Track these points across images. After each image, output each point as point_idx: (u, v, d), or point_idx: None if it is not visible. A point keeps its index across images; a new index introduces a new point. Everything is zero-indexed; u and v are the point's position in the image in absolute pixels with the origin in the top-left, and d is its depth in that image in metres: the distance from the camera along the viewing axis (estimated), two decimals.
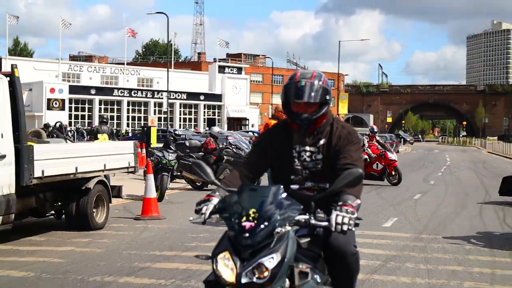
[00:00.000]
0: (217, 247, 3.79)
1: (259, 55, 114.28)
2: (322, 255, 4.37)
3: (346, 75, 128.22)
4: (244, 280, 3.58)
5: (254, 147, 4.88)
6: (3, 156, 9.67)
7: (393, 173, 22.53)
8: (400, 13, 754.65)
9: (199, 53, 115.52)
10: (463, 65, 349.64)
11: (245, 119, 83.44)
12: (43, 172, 10.32)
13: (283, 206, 3.82)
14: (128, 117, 73.90)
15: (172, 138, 21.01)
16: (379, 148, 23.04)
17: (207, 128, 68.13)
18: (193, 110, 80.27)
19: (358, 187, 4.23)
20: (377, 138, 23.98)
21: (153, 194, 13.72)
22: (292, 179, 4.56)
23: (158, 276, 8.09)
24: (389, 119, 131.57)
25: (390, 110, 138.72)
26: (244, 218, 3.70)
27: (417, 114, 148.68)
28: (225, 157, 19.05)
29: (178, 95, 76.24)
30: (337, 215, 3.97)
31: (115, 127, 56.90)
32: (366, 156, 22.37)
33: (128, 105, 74.36)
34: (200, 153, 19.57)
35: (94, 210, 11.97)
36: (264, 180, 5.43)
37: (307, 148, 4.55)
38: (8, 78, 10.08)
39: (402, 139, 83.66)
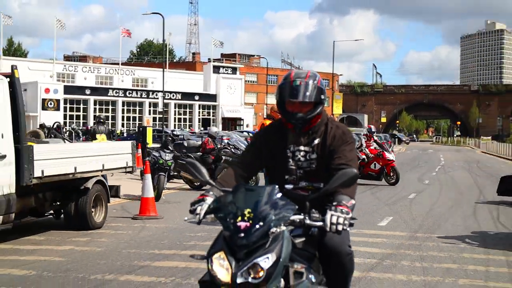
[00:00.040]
0: (212, 247, 3.79)
1: (253, 55, 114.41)
2: (317, 255, 4.39)
3: (341, 75, 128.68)
4: (239, 280, 3.59)
5: (249, 147, 4.87)
6: (4, 156, 9.78)
7: (391, 173, 22.60)
8: (395, 13, 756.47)
9: (193, 53, 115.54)
10: (457, 65, 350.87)
11: (240, 119, 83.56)
12: (42, 172, 10.43)
13: (278, 206, 3.82)
14: (123, 117, 73.98)
15: (170, 138, 21.12)
16: (377, 148, 23.12)
17: (202, 128, 68.29)
18: (188, 110, 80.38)
19: (352, 187, 4.24)
20: (375, 138, 24.04)
21: (150, 193, 13.83)
22: (286, 179, 4.56)
23: (158, 274, 8.21)
24: (384, 119, 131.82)
25: (385, 110, 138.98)
26: (239, 218, 3.71)
27: (411, 114, 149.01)
28: (223, 157, 19.16)
29: (173, 95, 76.32)
30: (332, 215, 3.98)
31: (109, 127, 56.83)
32: (364, 156, 22.49)
33: (123, 105, 74.44)
34: (198, 153, 19.69)
35: (92, 209, 12.09)
36: (263, 180, 5.54)
37: (302, 147, 4.56)
38: (8, 79, 10.19)
39: (397, 139, 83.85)
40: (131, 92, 75.58)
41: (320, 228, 4.06)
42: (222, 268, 3.64)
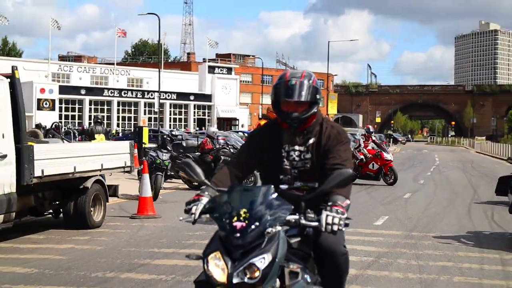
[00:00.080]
0: (208, 247, 3.79)
1: (248, 55, 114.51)
2: (312, 255, 4.39)
3: (336, 75, 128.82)
4: (235, 280, 3.59)
5: (244, 146, 4.87)
6: (4, 156, 9.90)
7: (389, 173, 22.67)
8: (389, 13, 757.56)
9: (188, 53, 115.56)
10: (452, 65, 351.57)
11: (235, 119, 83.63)
12: (43, 171, 10.56)
13: (274, 206, 3.83)
14: (118, 117, 74.02)
15: (169, 138, 21.25)
16: (375, 148, 23.20)
17: (197, 128, 68.39)
18: (183, 110, 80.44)
19: (347, 187, 4.27)
20: (373, 138, 24.12)
21: (148, 193, 13.94)
22: (281, 178, 4.57)
23: (158, 272, 8.33)
24: (378, 119, 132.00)
25: (379, 110, 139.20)
26: (235, 218, 3.71)
27: (406, 114, 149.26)
28: (222, 157, 19.29)
29: (168, 95, 76.38)
30: (327, 215, 3.98)
31: (105, 127, 56.81)
32: (362, 156, 22.59)
33: (118, 105, 74.48)
34: (196, 153, 19.81)
35: (91, 209, 12.20)
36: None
37: (296, 147, 4.56)
38: (9, 80, 10.31)
39: (392, 140, 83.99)
40: (126, 92, 75.62)
41: (315, 228, 4.07)
42: (218, 268, 3.65)
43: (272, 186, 4.00)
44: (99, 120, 20.39)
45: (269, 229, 3.72)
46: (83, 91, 71.28)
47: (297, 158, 4.55)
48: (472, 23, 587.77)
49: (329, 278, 4.41)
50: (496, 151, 57.94)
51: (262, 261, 3.62)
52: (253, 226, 3.67)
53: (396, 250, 10.23)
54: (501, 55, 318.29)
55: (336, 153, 4.47)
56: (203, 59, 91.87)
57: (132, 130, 55.86)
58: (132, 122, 73.79)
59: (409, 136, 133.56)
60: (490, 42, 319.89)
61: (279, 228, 3.81)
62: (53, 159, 10.95)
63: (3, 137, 9.92)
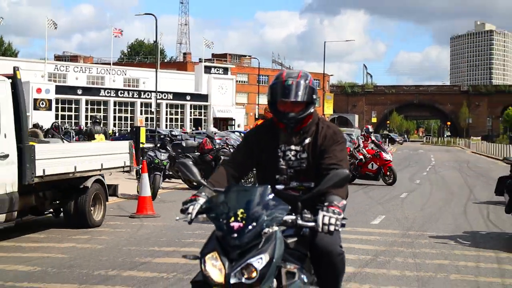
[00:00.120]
0: (205, 247, 3.79)
1: (244, 56, 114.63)
2: (309, 255, 4.40)
3: (331, 75, 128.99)
4: (233, 281, 3.59)
5: (240, 146, 4.88)
6: (6, 156, 10.02)
7: (388, 173, 22.73)
8: (385, 14, 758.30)
9: (184, 53, 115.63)
10: (447, 66, 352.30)
11: (231, 119, 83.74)
12: (44, 171, 10.69)
13: (271, 206, 3.83)
14: (114, 117, 74.09)
15: (168, 138, 21.35)
16: (374, 149, 23.25)
17: (193, 128, 68.47)
18: (179, 110, 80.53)
19: (344, 187, 4.27)
20: (373, 138, 24.16)
21: (148, 193, 14.07)
22: (277, 178, 4.57)
23: (159, 270, 8.46)
24: (374, 119, 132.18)
25: (375, 111, 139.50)
26: (233, 219, 3.70)
27: (401, 114, 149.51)
28: (222, 157, 19.40)
29: (165, 95, 76.45)
30: (323, 215, 3.98)
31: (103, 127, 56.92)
32: (361, 156, 22.68)
33: (115, 105, 74.54)
34: (196, 153, 19.93)
35: (91, 208, 12.32)
36: None
37: (292, 147, 4.56)
38: (10, 80, 10.43)
39: (387, 140, 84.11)
40: (122, 92, 75.69)
41: (312, 228, 4.06)
42: (215, 268, 3.66)
43: (269, 186, 4.00)
44: (97, 120, 20.50)
45: (266, 230, 3.72)
46: (79, 91, 71.33)
47: (293, 158, 4.56)
48: (467, 24, 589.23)
49: (325, 278, 4.42)
50: (492, 151, 58.14)
51: (259, 262, 3.63)
52: (250, 227, 3.67)
53: (393, 249, 10.37)
54: (497, 55, 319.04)
55: (332, 153, 4.48)
56: (199, 59, 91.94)
57: (129, 130, 55.97)
58: (129, 122, 73.93)
59: (405, 136, 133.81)
60: (485, 42, 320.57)
61: (276, 228, 3.82)
62: (54, 159, 11.08)
63: (5, 137, 10.04)
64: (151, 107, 71.11)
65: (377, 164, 22.81)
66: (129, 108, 75.66)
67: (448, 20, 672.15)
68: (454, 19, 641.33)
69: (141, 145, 25.07)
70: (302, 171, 4.54)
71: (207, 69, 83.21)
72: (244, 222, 3.68)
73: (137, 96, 75.80)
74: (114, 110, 74.26)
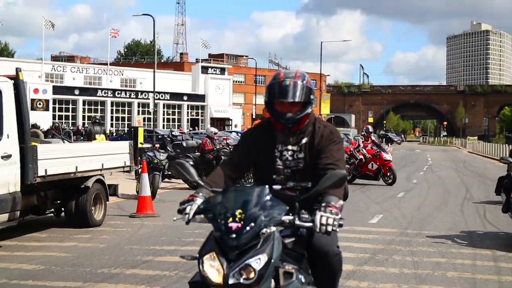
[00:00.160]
0: (203, 247, 3.79)
1: (241, 56, 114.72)
2: (306, 255, 4.40)
3: (328, 75, 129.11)
4: (231, 281, 3.59)
5: (238, 146, 4.87)
6: (9, 156, 10.14)
7: (388, 173, 22.77)
8: (381, 14, 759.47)
9: (181, 54, 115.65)
10: (443, 66, 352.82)
11: (228, 119, 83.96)
12: (46, 171, 10.82)
13: (269, 207, 3.83)
14: (112, 117, 74.21)
15: (169, 139, 21.48)
16: (374, 148, 23.28)
17: (190, 129, 68.59)
18: (176, 110, 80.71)
19: (341, 188, 4.25)
20: (373, 138, 24.15)
21: (147, 192, 14.20)
22: (274, 178, 4.57)
23: (161, 268, 8.59)
24: (371, 119, 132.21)
25: (372, 110, 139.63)
26: (231, 219, 3.70)
27: (398, 114, 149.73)
28: (222, 157, 19.51)
29: (162, 96, 76.60)
30: (321, 216, 3.97)
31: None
32: (361, 156, 22.76)
33: (112, 106, 74.74)
34: (197, 153, 20.05)
35: (92, 207, 12.46)
36: None
37: (289, 147, 4.56)
38: (13, 81, 10.55)
39: (384, 139, 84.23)
40: (120, 92, 75.87)
41: (309, 228, 4.06)
42: (213, 269, 3.65)
43: (267, 186, 4.00)
44: (97, 121, 20.64)
45: (264, 230, 3.72)
46: (77, 92, 71.48)
47: (290, 158, 4.57)
48: (464, 24, 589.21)
49: (322, 279, 4.43)
50: (488, 151, 58.31)
51: (257, 262, 3.63)
52: (248, 227, 3.67)
53: (391, 247, 10.52)
54: (493, 55, 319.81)
55: (328, 153, 4.49)
56: (196, 59, 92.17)
57: (126, 131, 56.06)
58: (126, 122, 74.11)
59: (402, 136, 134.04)
60: (481, 42, 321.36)
61: (273, 228, 3.82)
62: (56, 159, 11.21)
63: (8, 137, 10.16)
64: (148, 108, 71.10)
65: (377, 164, 22.84)
66: (126, 108, 75.85)
67: (444, 20, 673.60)
68: (450, 19, 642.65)
69: (140, 145, 25.16)
70: (299, 171, 4.55)
71: (204, 70, 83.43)
72: (242, 222, 3.69)
73: (134, 97, 75.96)
74: (111, 110, 74.46)
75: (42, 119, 50.95)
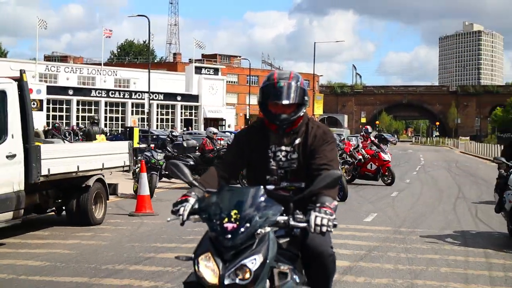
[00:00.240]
0: (198, 248, 3.78)
1: (234, 56, 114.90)
2: (300, 255, 4.41)
3: (321, 75, 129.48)
4: (227, 282, 3.59)
5: (231, 146, 4.86)
6: (14, 155, 10.39)
7: (387, 173, 22.90)
8: (374, 14, 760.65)
9: (174, 54, 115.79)
10: (436, 66, 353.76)
11: (222, 119, 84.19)
12: (49, 170, 11.07)
13: (264, 207, 3.84)
14: (105, 117, 74.36)
15: (169, 139, 21.72)
16: (373, 149, 23.40)
17: (184, 129, 68.78)
18: (170, 110, 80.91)
19: (335, 188, 4.26)
20: (372, 138, 24.20)
21: (146, 191, 14.47)
22: (267, 179, 4.57)
23: (164, 264, 8.85)
24: (363, 120, 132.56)
25: (365, 111, 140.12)
26: (226, 220, 3.70)
27: (391, 114, 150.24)
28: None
29: (155, 96, 76.76)
30: (316, 216, 3.96)
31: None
32: (360, 157, 22.93)
33: (106, 106, 74.89)
34: (197, 153, 20.31)
35: (93, 206, 12.70)
36: None
37: (283, 147, 4.57)
38: (17, 83, 10.79)
39: (377, 140, 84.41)
40: (114, 92, 76.02)
41: (303, 229, 4.07)
42: (208, 269, 3.65)
43: (262, 187, 4.00)
44: (95, 121, 20.87)
45: (259, 230, 3.73)
46: (70, 92, 71.60)
47: (283, 159, 4.57)
48: (456, 24, 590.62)
49: (316, 279, 4.44)
50: (480, 151, 58.68)
51: (253, 262, 3.63)
52: (243, 228, 3.68)
53: (386, 244, 10.81)
54: (485, 55, 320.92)
55: (322, 153, 4.50)
56: (189, 59, 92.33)
57: (120, 131, 56.23)
58: (120, 122, 74.28)
59: (395, 136, 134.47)
60: (474, 43, 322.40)
61: (268, 229, 3.81)
62: (59, 159, 11.47)
63: (12, 137, 10.41)
64: (142, 108, 71.46)
65: (375, 165, 22.96)
66: (120, 108, 76.02)
67: (437, 20, 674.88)
68: (443, 19, 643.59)
69: (137, 145, 25.41)
70: (292, 171, 4.57)
71: (198, 70, 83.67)
72: (237, 223, 3.69)
73: (128, 97, 76.15)
74: (105, 110, 74.59)
75: (36, 120, 50.89)
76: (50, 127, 56.34)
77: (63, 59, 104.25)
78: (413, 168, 34.40)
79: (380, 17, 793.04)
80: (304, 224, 4.00)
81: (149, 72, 47.65)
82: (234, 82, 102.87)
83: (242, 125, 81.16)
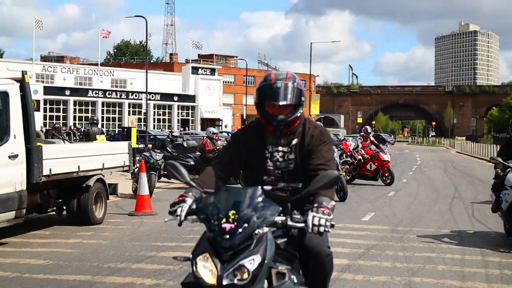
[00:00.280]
0: (196, 248, 3.79)
1: (231, 56, 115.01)
2: (297, 256, 4.42)
3: (317, 76, 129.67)
4: (225, 282, 3.59)
5: (228, 146, 4.85)
6: (16, 156, 10.51)
7: (386, 173, 22.99)
8: (370, 14, 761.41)
9: (171, 54, 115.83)
10: (432, 66, 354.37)
11: (219, 119, 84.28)
12: (50, 170, 11.20)
13: (262, 207, 3.84)
14: (102, 118, 74.37)
15: (169, 139, 21.85)
16: (373, 149, 23.45)
17: (181, 129, 68.84)
18: (167, 111, 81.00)
19: (332, 188, 4.28)
20: (371, 138, 24.20)
21: (146, 191, 14.60)
22: (264, 179, 4.58)
23: (166, 262, 8.98)
24: (360, 120, 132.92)
25: (361, 111, 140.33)
26: (224, 220, 3.70)
27: (387, 114, 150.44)
28: None
29: (152, 96, 76.81)
30: (313, 216, 3.96)
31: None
32: (360, 157, 23.04)
33: (103, 106, 74.90)
34: (197, 153, 20.44)
35: (93, 206, 12.83)
36: None
37: (280, 148, 4.57)
38: (19, 83, 10.91)
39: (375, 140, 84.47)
40: (110, 93, 76.07)
41: (301, 229, 4.07)
42: (206, 270, 3.65)
43: (260, 187, 4.00)
44: (95, 122, 20.98)
45: (257, 231, 3.73)
46: (67, 92, 71.63)
47: (280, 159, 4.58)
48: (452, 24, 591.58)
49: (313, 279, 4.45)
50: (476, 151, 58.89)
51: (251, 263, 3.63)
52: (242, 228, 3.68)
53: (384, 243, 10.96)
54: (481, 56, 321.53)
55: (319, 154, 4.50)
56: (186, 59, 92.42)
57: (117, 131, 56.31)
58: (117, 122, 74.35)
59: (392, 136, 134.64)
60: (469, 43, 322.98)
61: (266, 229, 3.82)
62: (60, 159, 11.60)
63: (14, 137, 10.54)
64: (139, 108, 71.45)
65: (375, 165, 23.05)
66: (117, 109, 76.04)
67: (433, 20, 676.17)
68: (439, 19, 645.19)
69: (135, 145, 25.51)
70: (289, 172, 4.57)
71: (194, 70, 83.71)
72: (235, 223, 3.69)
73: (125, 97, 76.18)
74: (102, 111, 74.59)
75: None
76: (47, 127, 56.65)
77: (60, 59, 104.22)
78: (409, 168, 34.53)
79: (376, 17, 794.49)
80: (302, 224, 4.00)
81: (146, 72, 47.79)
82: (231, 82, 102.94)
83: (239, 125, 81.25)
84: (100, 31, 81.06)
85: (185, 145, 21.11)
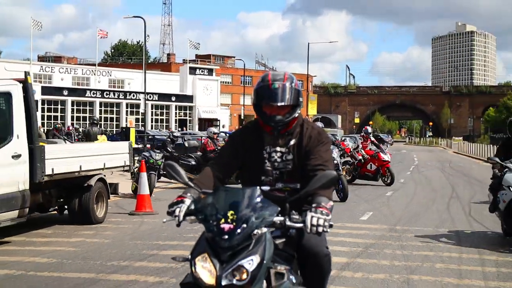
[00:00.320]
0: (195, 249, 3.79)
1: (228, 56, 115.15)
2: (296, 256, 4.42)
3: (315, 76, 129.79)
4: (224, 282, 3.59)
5: (225, 147, 4.84)
6: (19, 155, 10.65)
7: (386, 173, 23.03)
8: (367, 14, 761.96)
9: (168, 54, 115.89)
10: (429, 66, 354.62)
11: (216, 120, 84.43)
12: (53, 170, 11.35)
13: (261, 207, 3.84)
14: (100, 118, 74.45)
15: (170, 139, 21.98)
16: (373, 149, 23.48)
17: (179, 129, 69.01)
18: (164, 111, 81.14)
19: (330, 188, 4.27)
20: (372, 139, 24.13)
21: (146, 191, 14.74)
22: (262, 180, 4.57)
23: (168, 261, 9.09)
24: (357, 120, 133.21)
25: (358, 111, 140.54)
26: (223, 220, 3.70)
27: (384, 114, 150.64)
28: None
29: (150, 96, 76.85)
30: (312, 216, 3.95)
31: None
32: (360, 157, 23.12)
33: (101, 106, 75.04)
34: (198, 153, 20.58)
35: (95, 205, 12.96)
36: None
37: (278, 148, 4.57)
38: (22, 84, 11.05)
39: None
40: (108, 93, 76.20)
41: (299, 229, 4.08)
42: (205, 270, 3.65)
43: (258, 187, 3.99)
44: (95, 122, 21.11)
45: (256, 231, 3.72)
46: (65, 92, 71.73)
47: (278, 160, 4.57)
48: (449, 24, 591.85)
49: (311, 279, 4.45)
50: (473, 152, 59.03)
51: (250, 263, 3.63)
52: (240, 229, 3.68)
53: (382, 242, 11.11)
54: (478, 56, 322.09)
55: (317, 154, 4.49)
56: (183, 60, 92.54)
57: (116, 131, 56.42)
58: (114, 123, 74.47)
59: (389, 136, 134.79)
60: (466, 43, 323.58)
61: (265, 229, 3.82)
62: (62, 159, 11.75)
63: (17, 137, 10.67)
64: (137, 108, 71.60)
65: (375, 165, 23.10)
66: (114, 109, 76.18)
67: (430, 21, 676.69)
68: (436, 20, 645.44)
69: (134, 145, 25.65)
70: (287, 172, 4.57)
71: (192, 70, 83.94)
72: (234, 223, 3.69)
73: (123, 97, 76.31)
74: (100, 111, 74.71)
75: None
76: (45, 127, 56.77)
77: (57, 59, 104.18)
78: (407, 168, 34.67)
79: (373, 18, 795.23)
80: (300, 225, 4.00)
81: (144, 73, 47.90)
82: (228, 82, 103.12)
83: (237, 126, 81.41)
84: (98, 32, 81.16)
85: (186, 145, 21.22)
